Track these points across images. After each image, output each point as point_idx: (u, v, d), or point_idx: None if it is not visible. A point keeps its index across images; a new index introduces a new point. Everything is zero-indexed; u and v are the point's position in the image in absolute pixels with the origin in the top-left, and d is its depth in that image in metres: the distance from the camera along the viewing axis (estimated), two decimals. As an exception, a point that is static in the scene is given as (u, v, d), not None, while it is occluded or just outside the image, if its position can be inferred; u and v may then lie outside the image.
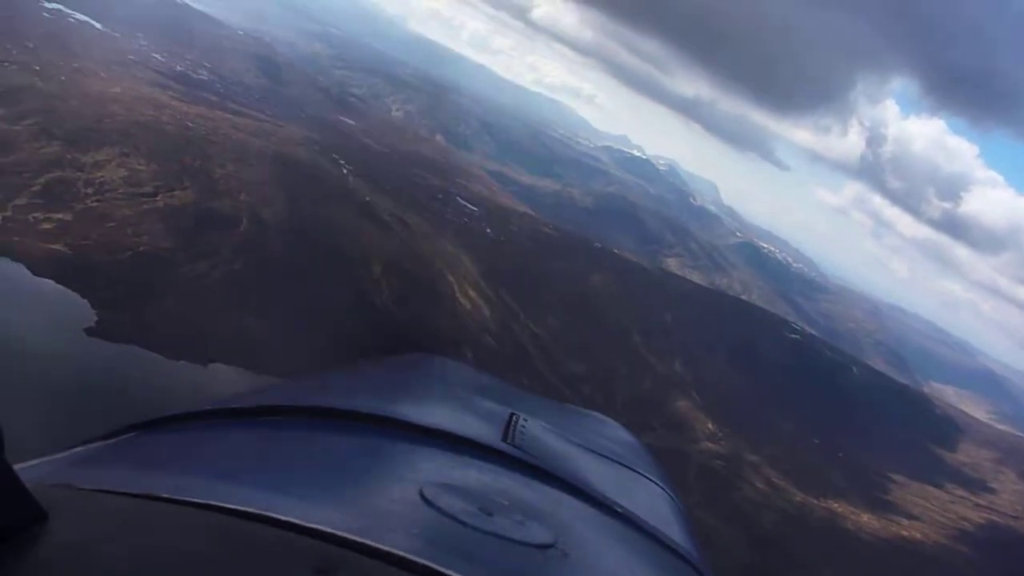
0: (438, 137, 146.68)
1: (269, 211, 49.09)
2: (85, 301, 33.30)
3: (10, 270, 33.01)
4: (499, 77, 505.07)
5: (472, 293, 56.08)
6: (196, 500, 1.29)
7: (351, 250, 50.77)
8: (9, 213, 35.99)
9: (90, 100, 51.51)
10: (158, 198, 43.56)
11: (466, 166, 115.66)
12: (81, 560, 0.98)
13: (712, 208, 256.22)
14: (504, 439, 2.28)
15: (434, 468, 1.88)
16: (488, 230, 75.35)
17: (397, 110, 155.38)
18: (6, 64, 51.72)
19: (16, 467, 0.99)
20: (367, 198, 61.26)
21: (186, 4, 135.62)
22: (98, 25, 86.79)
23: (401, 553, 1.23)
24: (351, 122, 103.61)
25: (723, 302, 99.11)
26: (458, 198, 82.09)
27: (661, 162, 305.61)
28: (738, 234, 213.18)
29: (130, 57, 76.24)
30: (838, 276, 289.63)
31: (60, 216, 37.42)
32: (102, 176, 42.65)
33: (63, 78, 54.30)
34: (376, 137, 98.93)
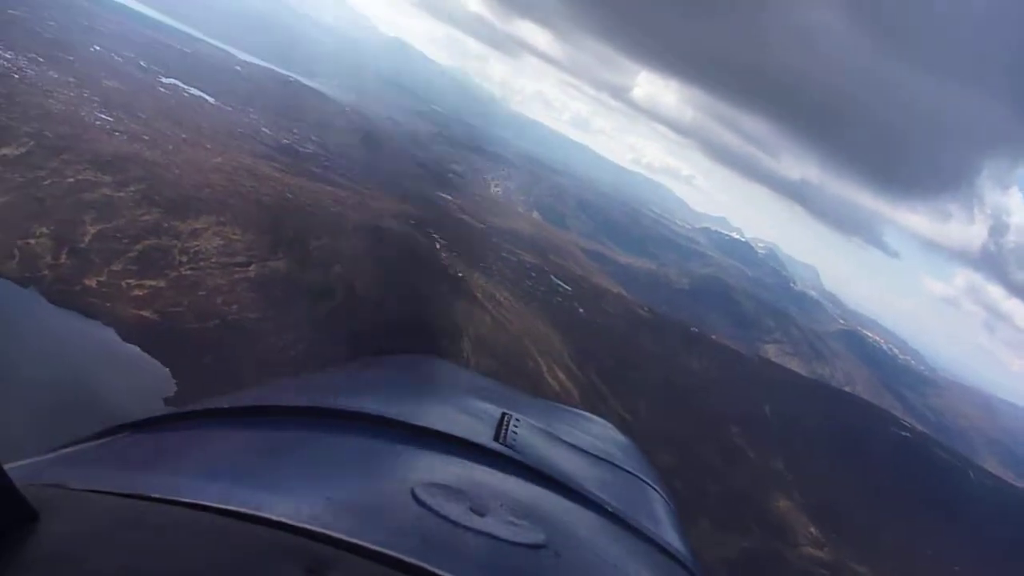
0: (535, 214, 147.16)
1: (361, 284, 48.74)
2: (167, 370, 33.06)
3: (99, 334, 33.11)
4: (598, 156, 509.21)
5: (561, 374, 54.37)
6: (187, 500, 1.30)
7: (441, 325, 49.89)
8: (104, 278, 36.37)
9: (192, 169, 52.65)
10: (251, 268, 43.66)
11: (561, 244, 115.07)
12: (72, 560, 0.98)
13: (813, 294, 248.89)
14: (496, 439, 2.24)
15: (426, 468, 1.87)
16: (581, 310, 73.86)
17: (496, 186, 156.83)
18: (117, 133, 53.57)
19: (6, 467, 1.00)
20: (460, 274, 60.63)
21: (297, 81, 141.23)
22: (211, 99, 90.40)
23: (393, 553, 1.24)
24: (449, 197, 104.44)
25: (825, 393, 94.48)
26: (552, 276, 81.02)
27: (760, 245, 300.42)
28: (841, 321, 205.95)
29: (239, 130, 78.60)
30: (948, 369, 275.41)
31: (153, 283, 37.66)
32: (197, 244, 43.05)
33: (170, 147, 55.89)
34: (473, 213, 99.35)
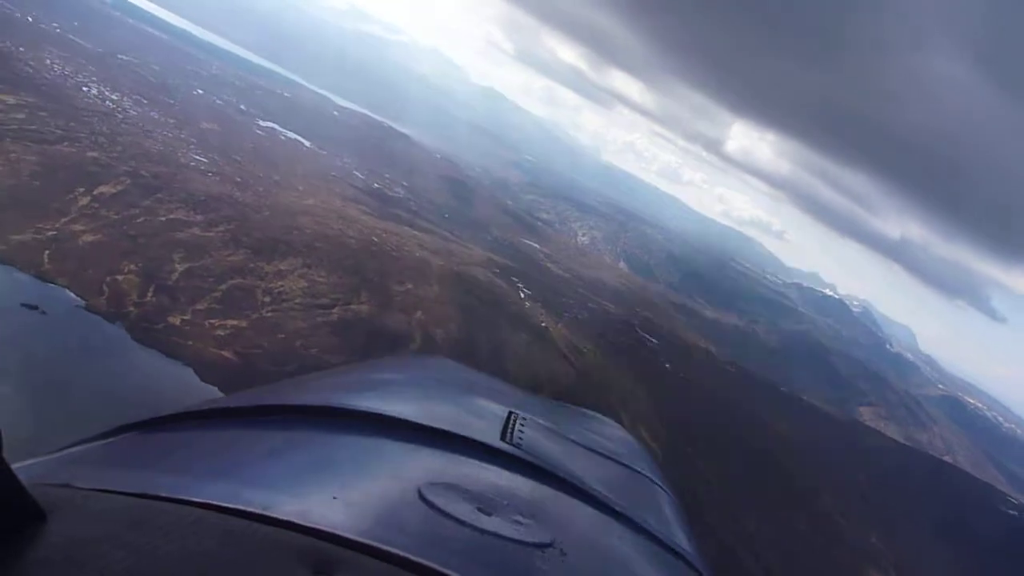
0: (622, 264, 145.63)
1: (442, 331, 48.06)
2: (242, 413, 32.54)
3: (178, 374, 32.90)
4: (688, 208, 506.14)
5: (644, 433, 52.32)
6: (195, 499, 1.31)
7: (521, 376, 48.67)
8: (188, 316, 36.38)
9: (282, 211, 53.13)
10: (334, 311, 43.34)
11: (648, 296, 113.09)
12: (79, 559, 0.99)
13: (909, 356, 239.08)
14: (503, 438, 2.25)
15: (433, 467, 1.89)
16: (667, 365, 71.71)
17: (583, 236, 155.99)
18: (210, 174, 54.51)
19: (14, 467, 1.01)
20: (543, 323, 59.51)
21: (391, 127, 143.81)
22: (307, 143, 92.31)
23: (400, 552, 1.25)
24: (536, 245, 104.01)
25: (924, 462, 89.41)
26: (638, 329, 79.17)
27: (854, 303, 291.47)
28: (940, 386, 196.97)
29: (331, 173, 79.75)
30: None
31: (235, 323, 37.53)
32: (282, 286, 42.99)
33: (261, 189, 56.62)
34: (559, 262, 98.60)
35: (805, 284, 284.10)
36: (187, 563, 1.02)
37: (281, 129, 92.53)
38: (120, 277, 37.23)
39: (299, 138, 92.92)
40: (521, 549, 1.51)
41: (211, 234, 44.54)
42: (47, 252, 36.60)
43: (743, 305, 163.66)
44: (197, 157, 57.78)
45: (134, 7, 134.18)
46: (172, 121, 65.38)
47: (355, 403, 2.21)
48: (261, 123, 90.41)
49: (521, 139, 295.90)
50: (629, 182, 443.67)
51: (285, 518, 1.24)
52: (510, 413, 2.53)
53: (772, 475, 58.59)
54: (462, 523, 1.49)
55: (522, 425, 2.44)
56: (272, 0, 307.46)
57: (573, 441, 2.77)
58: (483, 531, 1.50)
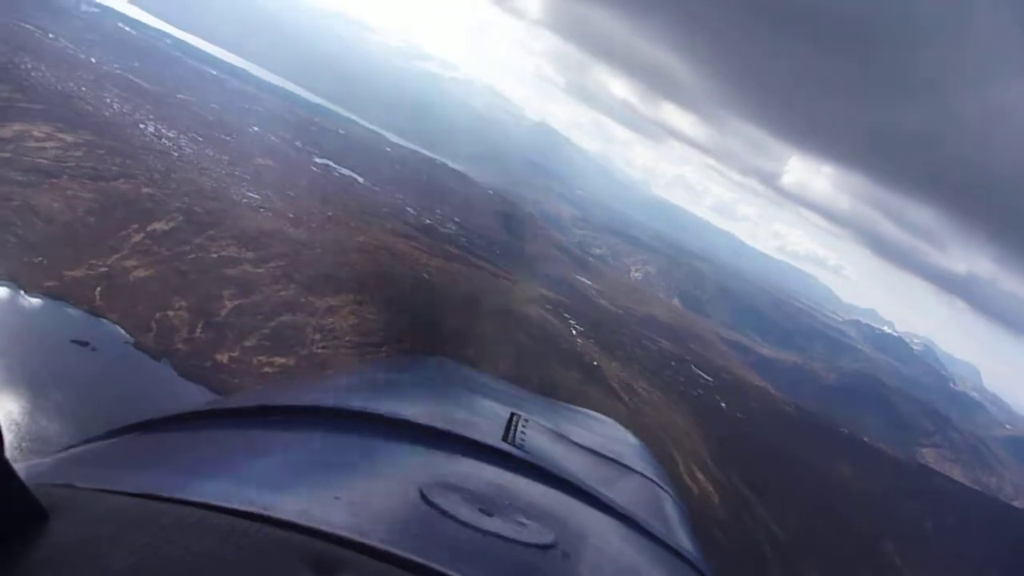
0: (675, 301, 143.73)
1: (491, 368, 47.10)
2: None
3: (224, 413, 32.60)
4: (742, 243, 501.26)
5: (701, 475, 50.86)
6: (197, 499, 1.31)
7: (572, 416, 47.60)
8: (236, 353, 36.22)
9: (334, 247, 53.02)
10: (383, 349, 42.89)
11: (702, 332, 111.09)
12: (82, 559, 1.00)
13: (975, 395, 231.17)
14: (505, 439, 2.26)
15: (435, 468, 1.90)
16: (723, 404, 69.98)
17: (636, 271, 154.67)
18: (263, 210, 54.80)
19: (16, 466, 1.02)
20: (595, 362, 58.42)
21: (444, 163, 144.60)
22: (360, 179, 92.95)
23: (402, 553, 1.25)
24: (588, 281, 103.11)
25: (994, 508, 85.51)
26: (692, 366, 77.57)
27: (915, 340, 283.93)
28: (1008, 426, 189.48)
29: (383, 209, 79.93)
30: None
31: (283, 360, 37.26)
32: (332, 322, 42.70)
33: (314, 225, 56.72)
34: (612, 298, 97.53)
35: (864, 321, 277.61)
36: (189, 563, 1.03)
37: (335, 166, 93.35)
38: (170, 313, 37.26)
39: (353, 175, 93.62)
40: (523, 550, 1.52)
41: (262, 270, 44.52)
42: (99, 288, 36.80)
43: (800, 342, 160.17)
44: (250, 194, 58.17)
45: (195, 49, 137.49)
46: (227, 158, 66.10)
47: (357, 404, 2.19)
48: (316, 160, 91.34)
49: (573, 174, 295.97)
50: (681, 216, 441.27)
51: (287, 518, 1.25)
52: (512, 414, 2.49)
53: (834, 520, 56.33)
54: (464, 524, 1.49)
55: (524, 426, 2.41)
56: (330, 40, 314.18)
57: (575, 442, 2.75)
58: (485, 532, 1.50)
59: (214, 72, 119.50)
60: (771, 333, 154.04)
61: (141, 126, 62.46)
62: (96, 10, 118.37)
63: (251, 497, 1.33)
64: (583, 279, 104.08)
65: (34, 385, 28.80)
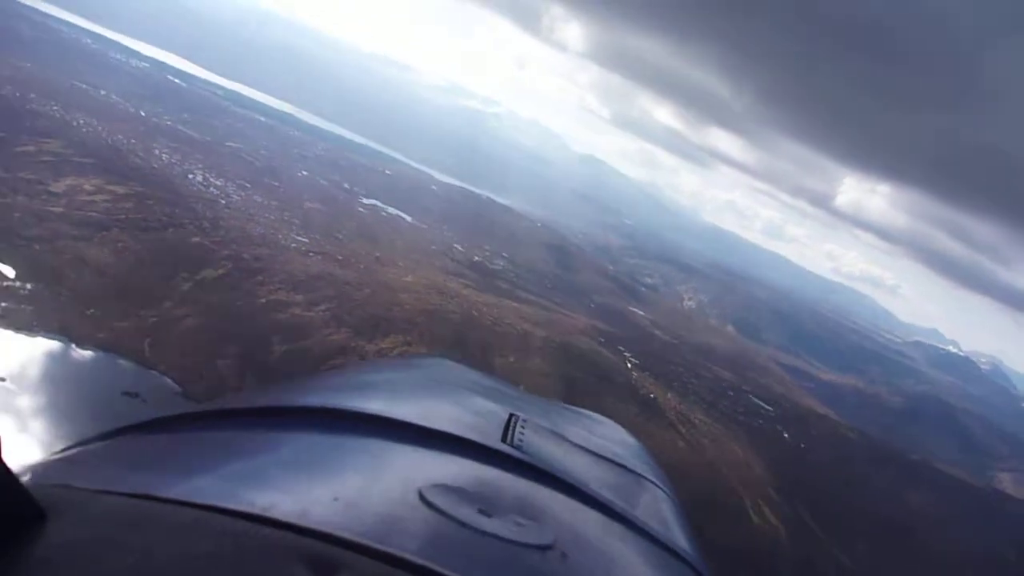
0: (729, 327, 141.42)
1: (546, 406, 46.30)
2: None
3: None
4: (794, 265, 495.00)
5: (766, 509, 49.14)
6: (194, 500, 1.32)
7: (630, 452, 46.44)
8: (287, 402, 35.85)
9: (383, 288, 52.89)
10: (434, 390, 42.28)
11: (759, 359, 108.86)
12: (79, 560, 1.00)
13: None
14: (503, 440, 2.23)
15: (433, 469, 1.89)
16: (784, 434, 68.00)
17: (688, 299, 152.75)
18: (311, 254, 54.90)
19: (13, 467, 1.03)
20: (652, 394, 57.18)
21: (491, 199, 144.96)
22: (408, 218, 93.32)
23: (400, 554, 1.26)
24: (640, 312, 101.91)
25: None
26: (751, 395, 75.69)
27: (982, 359, 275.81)
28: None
29: (431, 247, 79.96)
30: None
31: (334, 406, 36.82)
32: (381, 365, 42.27)
33: (362, 267, 56.69)
34: (665, 327, 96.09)
35: (926, 341, 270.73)
36: (187, 564, 1.04)
37: (383, 206, 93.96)
38: (219, 362, 37.13)
39: (401, 214, 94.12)
40: (522, 551, 1.51)
41: (312, 314, 44.39)
42: (148, 339, 36.84)
43: (860, 365, 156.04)
44: (299, 238, 58.43)
45: (244, 97, 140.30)
46: (275, 203, 66.65)
47: (355, 404, 2.15)
48: (364, 201, 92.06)
49: (621, 203, 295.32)
50: (732, 241, 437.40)
51: (285, 519, 1.26)
52: (511, 415, 2.46)
53: (909, 552, 53.92)
54: (463, 525, 1.49)
55: (523, 426, 2.37)
56: (375, 82, 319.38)
57: (574, 443, 2.66)
58: (484, 533, 1.49)
59: (262, 119, 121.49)
60: (829, 357, 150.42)
61: (190, 175, 63.29)
62: (146, 65, 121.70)
63: (249, 498, 1.34)
64: (636, 309, 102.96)
65: (83, 438, 28.69)
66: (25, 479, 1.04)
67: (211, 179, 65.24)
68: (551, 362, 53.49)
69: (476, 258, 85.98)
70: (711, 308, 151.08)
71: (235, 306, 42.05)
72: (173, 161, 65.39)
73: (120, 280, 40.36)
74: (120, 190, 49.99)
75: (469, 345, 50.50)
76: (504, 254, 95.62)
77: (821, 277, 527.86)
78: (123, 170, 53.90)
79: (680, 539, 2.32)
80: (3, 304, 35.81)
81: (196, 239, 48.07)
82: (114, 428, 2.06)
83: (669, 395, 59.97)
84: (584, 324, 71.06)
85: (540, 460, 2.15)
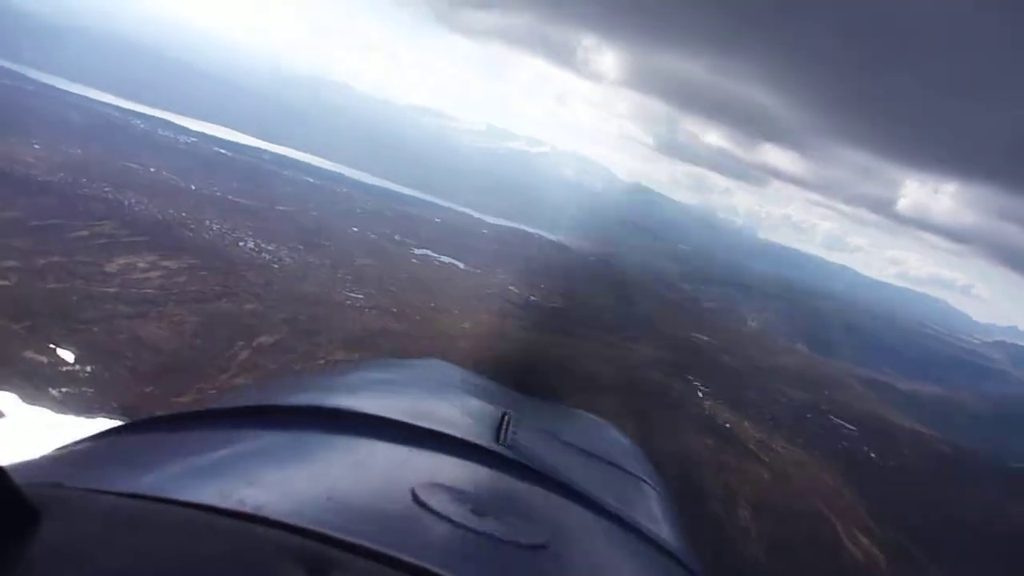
0: (799, 346, 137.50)
1: (619, 446, 44.65)
2: None
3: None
4: (859, 275, 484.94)
5: (863, 538, 46.48)
6: (188, 500, 1.32)
7: (712, 488, 44.58)
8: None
9: (441, 337, 52.21)
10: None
11: (834, 376, 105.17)
12: (73, 559, 1.00)
13: None
14: (496, 440, 2.26)
15: (426, 469, 1.89)
16: (872, 454, 64.91)
17: (753, 320, 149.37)
18: (367, 310, 54.47)
19: (6, 466, 1.03)
20: (727, 424, 55.04)
21: (542, 237, 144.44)
22: (461, 264, 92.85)
23: (394, 553, 1.26)
24: (705, 337, 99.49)
25: None
26: (831, 416, 72.72)
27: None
28: None
29: (486, 291, 79.19)
30: None
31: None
32: (444, 420, 41.24)
33: (417, 318, 56.02)
34: (733, 352, 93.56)
35: (1009, 341, 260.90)
36: (180, 563, 1.04)
37: (434, 254, 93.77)
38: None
39: (453, 261, 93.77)
40: (515, 550, 1.53)
41: (369, 372, 43.59)
42: (208, 413, 36.32)
43: (940, 372, 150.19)
44: (353, 294, 58.11)
45: (291, 160, 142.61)
46: (328, 262, 66.62)
47: (349, 404, 2.16)
48: (415, 251, 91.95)
49: (674, 229, 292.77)
50: (792, 257, 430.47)
51: (279, 519, 1.26)
52: (504, 414, 2.48)
53: None
54: (456, 524, 1.50)
55: (515, 426, 2.38)
56: (418, 133, 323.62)
57: (567, 442, 2.76)
58: (477, 532, 1.50)
59: (310, 180, 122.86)
60: (907, 367, 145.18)
61: (241, 243, 63.55)
62: (194, 139, 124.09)
63: (242, 497, 1.34)
64: (700, 335, 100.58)
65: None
66: (18, 478, 1.03)
67: (263, 244, 65.47)
68: (619, 399, 51.83)
69: (532, 298, 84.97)
70: (778, 327, 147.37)
71: (293, 370, 41.48)
72: (224, 230, 65.82)
73: (177, 355, 40.12)
74: (173, 264, 50.19)
75: (531, 389, 49.05)
76: (560, 291, 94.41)
77: (889, 284, 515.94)
78: (175, 244, 54.25)
79: (673, 538, 2.33)
80: (64, 389, 35.67)
81: (250, 306, 47.88)
82: (108, 428, 2.08)
83: (746, 423, 57.77)
84: (649, 356, 69.33)
85: (533, 460, 2.14)
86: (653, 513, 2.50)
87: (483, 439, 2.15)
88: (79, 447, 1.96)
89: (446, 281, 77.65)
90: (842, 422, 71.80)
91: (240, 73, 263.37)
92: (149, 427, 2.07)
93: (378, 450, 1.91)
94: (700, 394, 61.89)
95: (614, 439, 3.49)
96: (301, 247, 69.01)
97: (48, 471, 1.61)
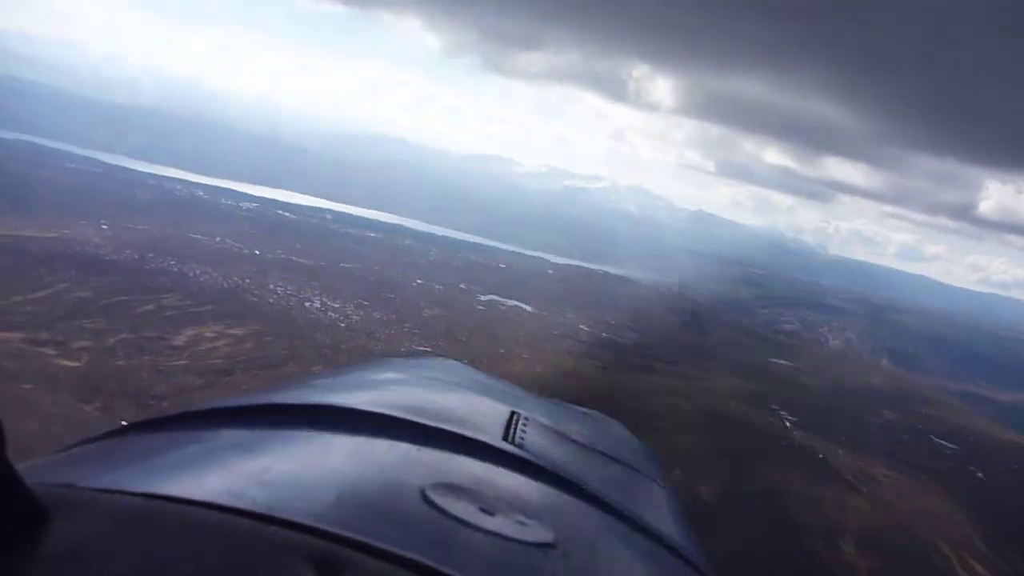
0: (884, 362, 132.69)
1: (708, 487, 42.77)
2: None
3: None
4: (939, 284, 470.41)
5: (978, 566, 43.42)
6: (197, 499, 1.30)
7: (813, 524, 42.17)
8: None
9: (510, 380, 50.63)
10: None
11: (926, 391, 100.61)
12: (82, 559, 1.01)
13: None
14: (505, 438, 2.20)
15: (435, 468, 1.84)
16: (979, 473, 61.23)
17: (834, 339, 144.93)
18: (433, 363, 53.45)
19: (16, 466, 1.03)
20: (820, 454, 52.41)
21: (608, 272, 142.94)
22: (528, 308, 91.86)
23: (403, 552, 1.26)
24: (786, 362, 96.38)
25: None
26: (929, 435, 69.10)
27: None
28: None
29: (555, 332, 78.08)
30: None
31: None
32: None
33: (485, 364, 54.81)
34: (816, 374, 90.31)
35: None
36: (190, 563, 1.05)
37: (501, 299, 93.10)
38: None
39: (520, 304, 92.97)
40: (523, 549, 1.49)
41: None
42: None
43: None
44: (420, 347, 57.57)
45: (353, 217, 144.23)
46: (394, 316, 66.38)
47: (357, 403, 2.09)
48: (481, 298, 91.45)
49: (742, 253, 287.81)
50: (867, 271, 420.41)
51: (288, 518, 1.24)
52: (512, 413, 2.40)
53: None
54: (464, 523, 1.48)
55: (524, 425, 2.34)
56: (477, 180, 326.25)
57: (576, 441, 2.60)
58: (485, 531, 1.47)
59: (372, 235, 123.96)
60: (1001, 375, 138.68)
61: (307, 304, 63.70)
62: (256, 204, 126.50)
63: (251, 496, 1.33)
64: (780, 361, 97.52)
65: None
66: (28, 478, 1.05)
67: (328, 303, 65.60)
68: (703, 436, 49.88)
69: (603, 335, 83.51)
70: (860, 344, 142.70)
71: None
72: (289, 292, 66.15)
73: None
74: (239, 332, 50.24)
75: (613, 431, 47.45)
76: (631, 326, 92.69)
77: (972, 291, 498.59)
78: (240, 312, 54.50)
79: (681, 537, 2.30)
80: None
81: (318, 367, 47.33)
82: (115, 427, 2.06)
83: (840, 452, 54.99)
84: (730, 387, 67.03)
85: (542, 458, 2.13)
86: (661, 512, 2.42)
87: (492, 438, 2.11)
88: (88, 447, 1.93)
89: (514, 326, 76.73)
90: (942, 441, 68.14)
91: (298, 136, 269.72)
92: (157, 426, 2.01)
93: (387, 449, 1.86)
94: (787, 424, 59.33)
95: (624, 438, 3.27)
96: (367, 303, 68.94)
97: (58, 471, 1.59)
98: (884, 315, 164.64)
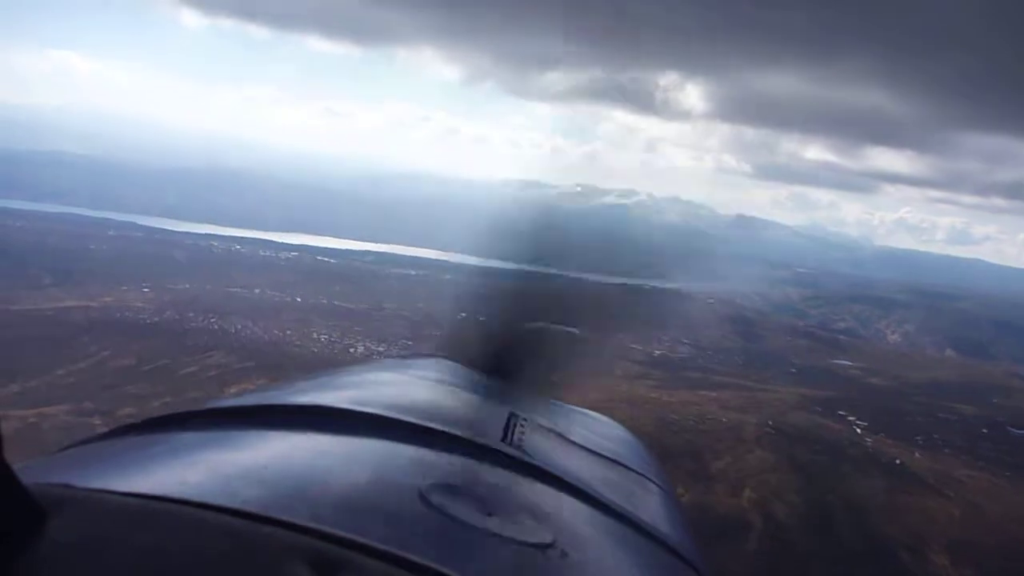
0: (948, 352, 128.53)
1: (783, 505, 40.80)
2: None
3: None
4: (994, 266, 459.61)
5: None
6: (195, 500, 1.32)
7: (897, 536, 39.75)
8: None
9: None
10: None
11: (997, 380, 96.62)
12: (80, 559, 1.01)
13: None
14: (503, 439, 2.28)
15: (433, 469, 1.91)
16: (1070, 465, 58.02)
17: (893, 333, 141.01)
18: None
19: (14, 466, 1.04)
20: (897, 459, 49.89)
21: (653, 287, 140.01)
22: (575, 331, 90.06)
23: (401, 553, 1.28)
24: (846, 362, 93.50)
25: None
26: (1008, 427, 65.80)
27: None
28: None
29: (606, 355, 76.00)
30: None
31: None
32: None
33: (540, 396, 53.41)
34: (879, 372, 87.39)
35: None
36: (188, 563, 1.05)
37: (548, 325, 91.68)
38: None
39: (567, 329, 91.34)
40: (522, 550, 1.55)
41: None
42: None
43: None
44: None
45: (394, 256, 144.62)
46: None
47: (355, 404, 2.16)
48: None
49: (787, 254, 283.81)
50: (915, 259, 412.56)
51: (286, 518, 1.26)
52: (511, 414, 2.46)
53: None
54: (463, 524, 1.53)
55: (523, 426, 2.41)
56: (512, 206, 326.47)
57: (574, 442, 2.73)
58: (484, 532, 1.53)
59: (413, 273, 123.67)
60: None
61: (351, 350, 63.03)
62: (294, 252, 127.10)
63: (249, 497, 1.36)
64: (841, 361, 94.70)
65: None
66: (26, 478, 1.05)
67: (372, 346, 64.98)
68: (772, 451, 47.87)
69: (657, 353, 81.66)
70: (922, 336, 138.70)
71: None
72: (332, 339, 65.64)
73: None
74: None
75: (675, 454, 45.58)
76: (684, 341, 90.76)
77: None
78: (283, 364, 53.87)
79: (679, 537, 2.34)
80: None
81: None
82: (114, 428, 2.08)
83: (917, 454, 52.41)
84: (793, 396, 64.68)
85: (540, 459, 2.17)
86: (659, 512, 2.50)
87: (490, 439, 2.15)
88: (87, 447, 1.97)
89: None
90: (1023, 432, 64.93)
91: (332, 181, 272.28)
92: (156, 427, 2.04)
93: (385, 450, 1.92)
94: (858, 430, 56.78)
95: (621, 438, 3.42)
96: (411, 342, 68.11)
97: (57, 471, 1.61)
98: (941, 303, 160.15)
